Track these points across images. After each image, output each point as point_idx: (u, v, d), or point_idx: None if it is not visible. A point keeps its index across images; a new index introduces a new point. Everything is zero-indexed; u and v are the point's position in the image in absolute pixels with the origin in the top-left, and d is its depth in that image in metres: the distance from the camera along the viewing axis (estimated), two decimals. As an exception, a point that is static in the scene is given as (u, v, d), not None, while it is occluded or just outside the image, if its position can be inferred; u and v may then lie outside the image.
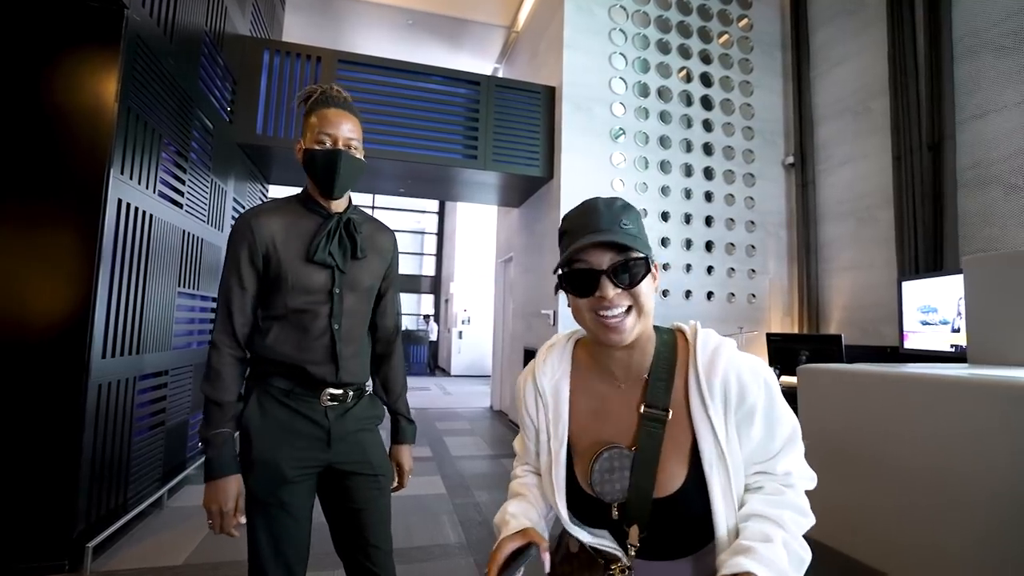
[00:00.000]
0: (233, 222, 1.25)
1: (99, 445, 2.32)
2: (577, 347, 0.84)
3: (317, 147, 1.20)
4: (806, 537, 0.70)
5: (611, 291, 0.69)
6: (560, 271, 0.74)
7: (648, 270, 0.72)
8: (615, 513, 0.72)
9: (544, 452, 0.80)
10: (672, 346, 0.77)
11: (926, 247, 3.53)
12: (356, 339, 1.28)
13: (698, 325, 0.78)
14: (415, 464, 1.63)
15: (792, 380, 3.20)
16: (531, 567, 0.74)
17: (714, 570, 0.67)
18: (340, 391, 1.24)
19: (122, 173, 2.38)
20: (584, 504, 0.76)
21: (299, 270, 1.19)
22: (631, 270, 0.70)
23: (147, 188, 2.64)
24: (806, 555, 0.68)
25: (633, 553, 0.72)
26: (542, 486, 0.83)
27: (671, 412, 0.72)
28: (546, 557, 0.75)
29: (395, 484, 1.39)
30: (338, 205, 1.28)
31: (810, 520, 0.72)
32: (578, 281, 0.71)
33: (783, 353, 3.28)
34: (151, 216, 2.69)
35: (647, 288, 0.72)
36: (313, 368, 1.20)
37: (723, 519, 0.69)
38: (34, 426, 2.14)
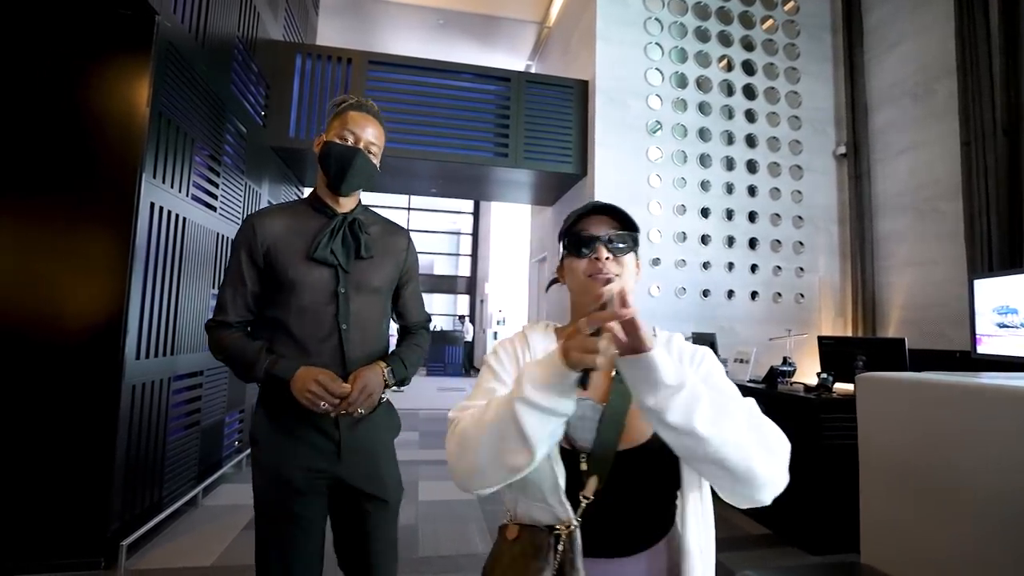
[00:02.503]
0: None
1: (133, 445, 2.36)
2: (557, 331, 0.91)
3: (337, 141, 1.21)
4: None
5: (604, 253, 0.79)
6: (563, 238, 0.83)
7: (635, 247, 0.82)
8: (584, 464, 0.74)
9: None
10: None
11: (1001, 241, 3.20)
12: (369, 341, 1.24)
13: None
14: (444, 468, 1.62)
15: (848, 388, 2.95)
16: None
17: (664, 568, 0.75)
18: None
19: (154, 177, 2.42)
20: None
21: (301, 268, 1.18)
22: (623, 241, 0.80)
23: (180, 191, 2.67)
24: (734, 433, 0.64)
25: (585, 502, 0.72)
26: None
27: None
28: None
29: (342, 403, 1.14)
30: (346, 205, 1.27)
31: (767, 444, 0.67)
32: (579, 244, 0.81)
33: (837, 358, 3.03)
34: (184, 219, 2.73)
35: (631, 265, 0.82)
36: None
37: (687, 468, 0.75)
38: (70, 426, 2.19)
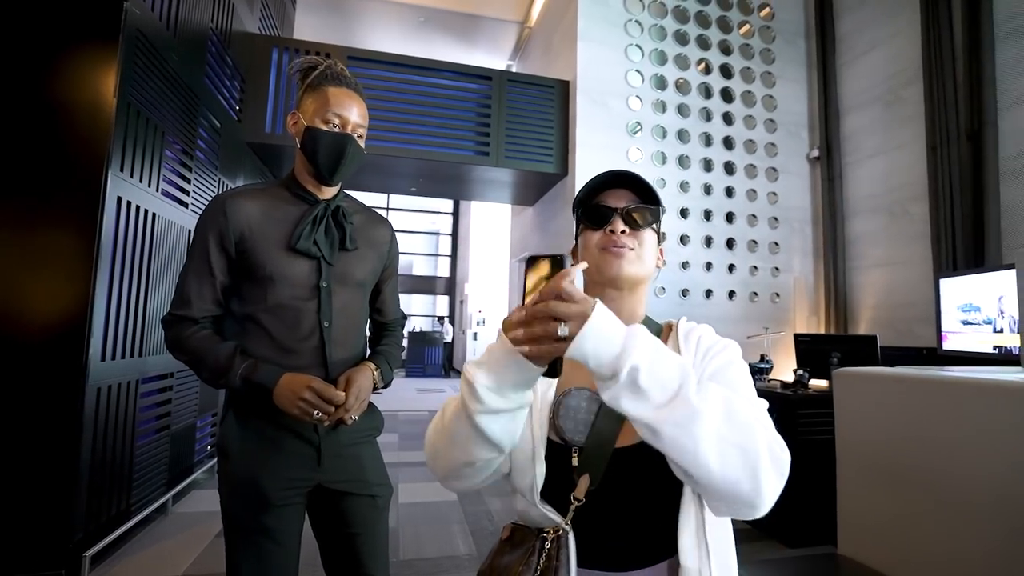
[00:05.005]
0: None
1: (99, 450, 2.25)
2: None
3: (324, 127, 1.10)
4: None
5: (620, 226, 0.73)
6: (578, 209, 0.78)
7: (655, 222, 0.77)
8: (575, 459, 0.68)
9: None
10: (657, 326, 0.80)
11: (966, 242, 3.32)
12: (350, 341, 1.16)
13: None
14: (425, 470, 1.51)
15: (823, 384, 3.02)
16: None
17: None
18: None
19: (122, 170, 2.32)
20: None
21: (279, 260, 1.07)
22: (642, 214, 0.75)
23: (149, 186, 2.57)
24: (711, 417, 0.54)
25: (576, 504, 0.66)
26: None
27: None
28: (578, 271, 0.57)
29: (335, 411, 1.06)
30: (328, 191, 1.17)
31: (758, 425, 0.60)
32: (594, 216, 0.76)
33: (812, 355, 3.09)
34: (154, 215, 2.62)
35: (651, 240, 0.76)
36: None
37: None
38: (30, 430, 2.08)
